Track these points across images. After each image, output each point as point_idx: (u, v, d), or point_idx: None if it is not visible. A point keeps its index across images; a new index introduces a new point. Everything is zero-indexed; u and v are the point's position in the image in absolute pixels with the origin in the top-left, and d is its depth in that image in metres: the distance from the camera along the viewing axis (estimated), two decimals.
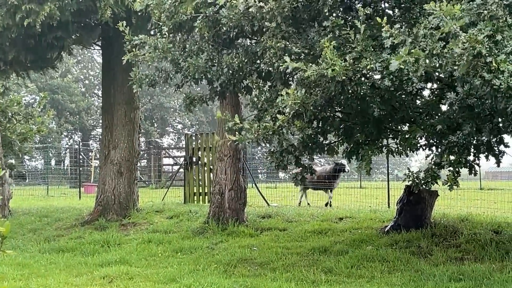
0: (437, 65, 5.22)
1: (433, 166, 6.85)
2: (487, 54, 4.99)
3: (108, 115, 12.54)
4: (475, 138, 6.52)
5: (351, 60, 5.76)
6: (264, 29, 6.58)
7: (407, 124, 7.30)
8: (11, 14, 9.59)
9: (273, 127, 6.35)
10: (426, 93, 7.41)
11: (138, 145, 12.77)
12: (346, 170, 14.72)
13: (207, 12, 7.06)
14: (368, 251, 8.07)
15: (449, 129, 6.43)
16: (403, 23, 6.29)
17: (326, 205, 14.12)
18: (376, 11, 6.54)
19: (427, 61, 5.20)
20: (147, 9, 7.88)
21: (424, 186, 7.07)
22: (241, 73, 7.16)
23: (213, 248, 9.13)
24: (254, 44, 7.32)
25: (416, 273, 6.99)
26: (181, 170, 17.62)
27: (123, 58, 7.76)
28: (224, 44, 7.45)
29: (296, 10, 6.45)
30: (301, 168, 7.68)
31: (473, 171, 6.76)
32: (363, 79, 6.02)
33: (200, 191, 14.83)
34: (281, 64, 6.06)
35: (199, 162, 14.92)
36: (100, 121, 16.91)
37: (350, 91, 6.07)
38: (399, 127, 7.63)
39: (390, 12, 7.01)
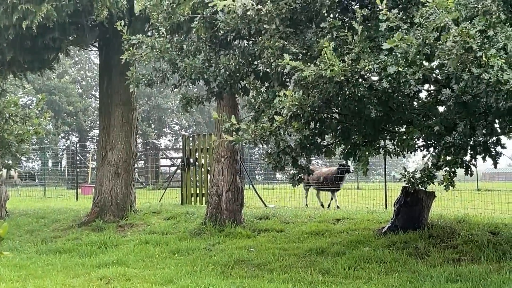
0: (434, 66, 5.23)
1: (430, 166, 6.86)
2: (477, 49, 4.98)
3: (105, 116, 12.54)
4: (472, 138, 6.53)
5: (349, 61, 5.76)
6: (262, 31, 6.57)
7: (404, 126, 7.30)
8: (8, 14, 9.57)
9: (270, 127, 6.35)
10: (423, 94, 7.43)
11: (135, 146, 12.77)
12: (351, 171, 14.62)
13: (204, 13, 7.08)
14: (365, 252, 8.07)
15: (446, 129, 6.43)
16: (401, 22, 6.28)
17: (328, 206, 14.08)
18: (373, 12, 6.54)
19: (420, 52, 5.16)
20: (145, 11, 7.89)
21: (420, 186, 7.07)
22: (238, 74, 7.16)
23: (211, 249, 9.13)
24: (251, 45, 7.32)
25: (413, 274, 6.98)
26: (178, 171, 17.61)
27: (121, 57, 7.80)
28: (221, 45, 7.45)
29: (294, 12, 6.45)
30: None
31: (469, 172, 6.76)
32: (360, 80, 6.02)
33: (198, 192, 14.83)
34: (279, 64, 6.06)
35: (196, 163, 14.92)
36: (97, 122, 16.92)
37: (347, 93, 6.07)
38: (396, 128, 7.64)
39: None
